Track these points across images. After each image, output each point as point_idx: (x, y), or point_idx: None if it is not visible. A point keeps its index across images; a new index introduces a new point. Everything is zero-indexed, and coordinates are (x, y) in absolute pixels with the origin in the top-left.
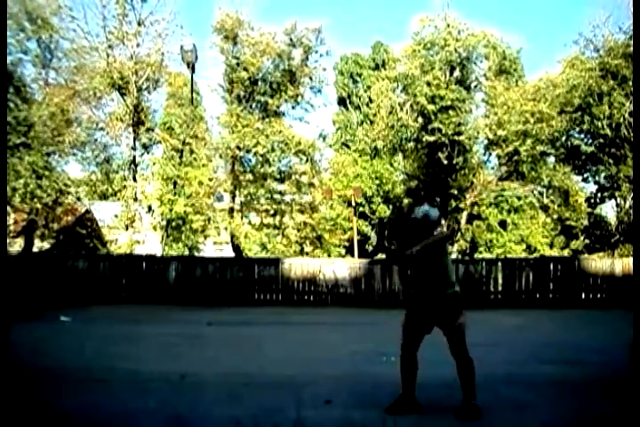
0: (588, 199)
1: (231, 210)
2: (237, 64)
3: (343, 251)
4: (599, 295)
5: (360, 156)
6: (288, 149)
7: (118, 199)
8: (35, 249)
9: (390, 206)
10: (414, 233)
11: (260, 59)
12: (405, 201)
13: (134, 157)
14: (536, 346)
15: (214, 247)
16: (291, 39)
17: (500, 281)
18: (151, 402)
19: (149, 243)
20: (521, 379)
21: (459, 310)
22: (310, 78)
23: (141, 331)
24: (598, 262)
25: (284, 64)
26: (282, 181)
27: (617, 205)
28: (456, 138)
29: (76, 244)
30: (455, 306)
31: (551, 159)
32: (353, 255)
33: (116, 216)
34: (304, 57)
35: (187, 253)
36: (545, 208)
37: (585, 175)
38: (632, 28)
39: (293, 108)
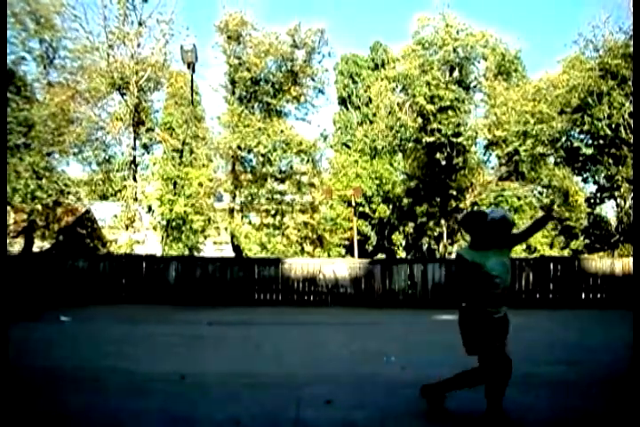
0: (587, 199)
1: (231, 210)
2: (240, 64)
3: (343, 251)
4: (599, 295)
5: (360, 156)
6: (289, 149)
7: (118, 199)
8: (35, 249)
9: (390, 206)
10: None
11: (262, 59)
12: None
13: (134, 156)
14: (536, 346)
15: (214, 247)
16: (294, 40)
17: None
18: (151, 402)
19: (149, 243)
20: (520, 379)
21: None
22: (312, 79)
23: (141, 331)
24: (598, 262)
25: (286, 65)
26: (282, 181)
27: (617, 205)
28: (455, 139)
29: (76, 244)
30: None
31: (551, 159)
32: (353, 255)
33: (116, 216)
34: (307, 58)
35: (187, 253)
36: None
37: (585, 175)
38: (632, 28)
39: (297, 108)
